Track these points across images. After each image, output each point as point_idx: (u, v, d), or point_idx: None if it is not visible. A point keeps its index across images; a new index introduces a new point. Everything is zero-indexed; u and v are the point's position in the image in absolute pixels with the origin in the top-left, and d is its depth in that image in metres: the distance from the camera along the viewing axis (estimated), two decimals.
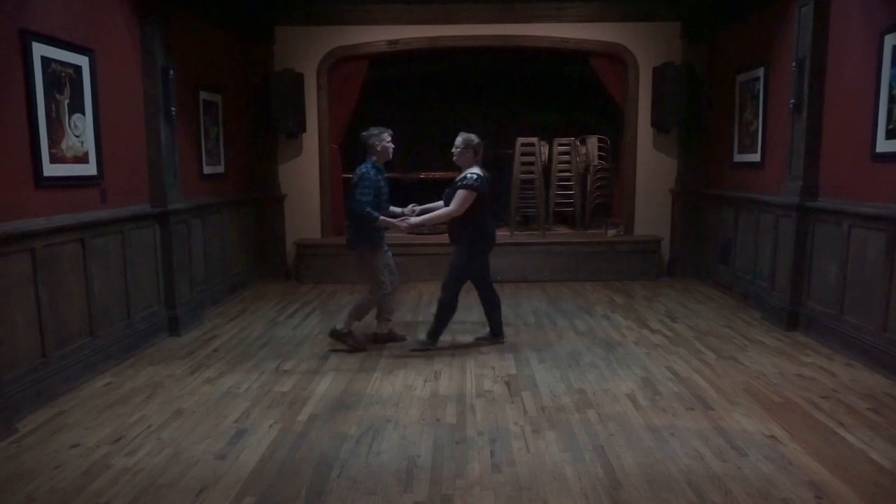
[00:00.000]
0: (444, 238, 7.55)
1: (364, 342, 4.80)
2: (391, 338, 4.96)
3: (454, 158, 4.61)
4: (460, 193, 4.38)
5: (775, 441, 3.20)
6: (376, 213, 4.48)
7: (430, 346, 4.71)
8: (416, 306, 6.12)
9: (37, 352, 3.74)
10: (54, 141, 3.93)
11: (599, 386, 4.00)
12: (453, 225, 4.56)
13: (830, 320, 4.73)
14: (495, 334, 4.92)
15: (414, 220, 4.55)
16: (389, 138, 4.66)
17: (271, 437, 3.31)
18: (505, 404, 3.72)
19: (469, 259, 4.57)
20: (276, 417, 3.57)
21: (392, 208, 4.77)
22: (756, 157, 6.09)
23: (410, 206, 4.81)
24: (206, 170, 6.21)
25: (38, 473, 2.95)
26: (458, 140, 4.55)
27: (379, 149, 4.61)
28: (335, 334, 4.75)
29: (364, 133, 4.71)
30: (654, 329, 5.31)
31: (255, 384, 4.10)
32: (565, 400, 3.78)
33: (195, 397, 3.88)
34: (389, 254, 4.84)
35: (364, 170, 4.58)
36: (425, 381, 4.12)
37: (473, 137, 4.54)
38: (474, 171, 4.47)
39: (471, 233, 4.50)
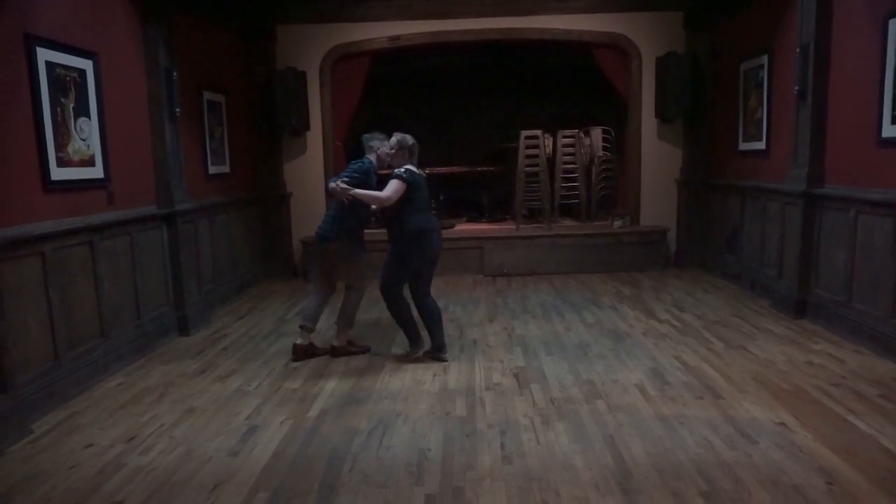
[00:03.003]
0: (454, 232, 7.55)
1: (365, 346, 4.68)
2: (349, 351, 4.60)
3: (388, 160, 4.48)
4: (391, 182, 4.22)
5: (785, 428, 3.20)
6: (334, 181, 4.36)
7: (417, 353, 4.46)
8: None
9: (49, 354, 3.78)
10: (61, 145, 3.96)
11: (608, 377, 4.01)
12: (387, 221, 4.38)
13: (839, 307, 4.72)
14: (437, 348, 4.45)
15: (345, 185, 4.28)
16: (388, 147, 4.54)
17: (283, 433, 3.34)
18: (514, 396, 3.74)
19: (401, 257, 4.33)
20: (286, 414, 3.60)
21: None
22: (761, 145, 6.07)
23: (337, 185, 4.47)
24: (212, 170, 6.24)
25: (53, 473, 2.99)
26: (392, 140, 4.42)
27: (379, 153, 4.58)
28: (336, 352, 4.56)
29: (367, 135, 4.69)
30: (661, 319, 5.31)
31: (266, 381, 4.13)
32: (574, 391, 3.79)
33: (206, 395, 3.92)
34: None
35: (362, 161, 4.54)
36: (434, 376, 4.13)
37: (408, 138, 4.41)
38: (406, 167, 4.32)
39: (401, 228, 4.30)
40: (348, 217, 4.45)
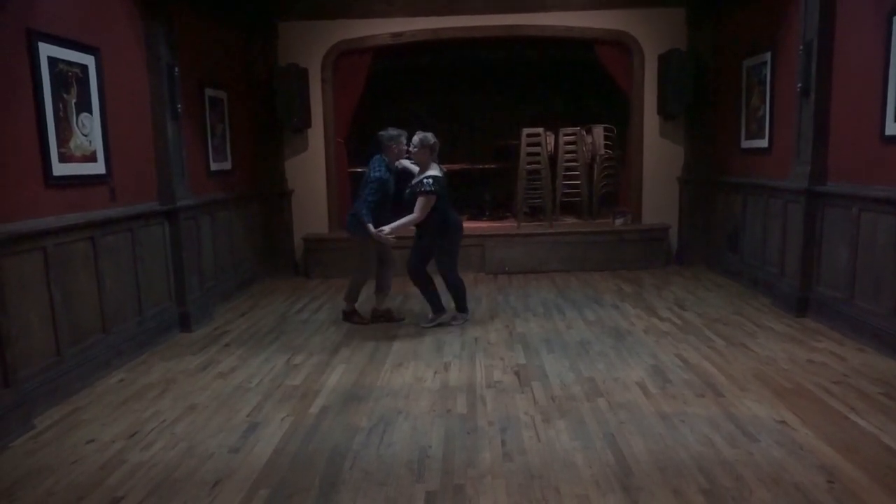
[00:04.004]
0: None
1: (366, 319, 5.30)
2: (388, 317, 5.33)
3: (410, 157, 4.90)
4: (420, 200, 4.70)
5: (786, 426, 3.20)
6: (370, 219, 4.80)
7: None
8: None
9: (51, 349, 3.79)
10: (63, 140, 3.96)
11: (609, 374, 4.00)
12: (420, 223, 4.87)
13: (841, 305, 4.71)
14: (460, 309, 5.26)
15: (386, 229, 4.77)
16: (405, 142, 4.92)
17: (284, 430, 3.34)
18: (515, 394, 3.74)
19: (441, 242, 4.95)
20: (288, 410, 3.60)
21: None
22: (764, 143, 6.05)
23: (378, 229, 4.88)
24: (213, 166, 6.23)
25: (55, 468, 3.00)
26: (415, 139, 4.79)
27: (395, 151, 4.86)
28: (347, 296, 5.31)
29: (382, 133, 4.99)
30: (663, 317, 5.30)
31: (267, 378, 4.14)
32: (575, 389, 3.79)
33: (208, 392, 3.92)
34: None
35: (378, 173, 4.88)
36: (435, 373, 4.13)
37: (430, 137, 4.76)
38: (430, 174, 4.72)
39: (436, 226, 4.88)
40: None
